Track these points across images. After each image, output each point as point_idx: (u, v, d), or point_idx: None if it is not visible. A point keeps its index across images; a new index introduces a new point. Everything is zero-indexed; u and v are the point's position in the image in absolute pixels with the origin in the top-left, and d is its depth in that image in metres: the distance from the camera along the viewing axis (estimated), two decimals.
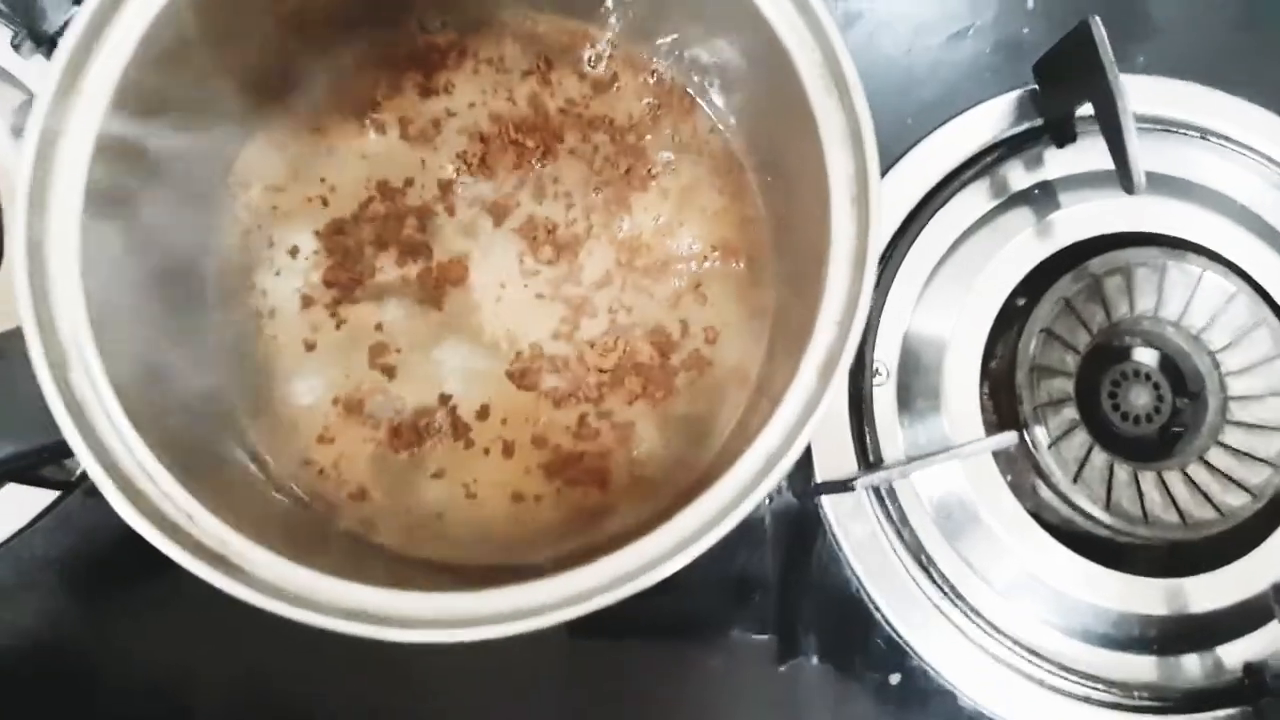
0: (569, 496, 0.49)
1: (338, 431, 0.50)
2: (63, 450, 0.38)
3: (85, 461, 0.37)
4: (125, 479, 0.38)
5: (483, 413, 0.51)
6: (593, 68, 0.55)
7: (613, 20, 0.54)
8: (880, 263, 0.56)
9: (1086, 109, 0.59)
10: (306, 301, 0.52)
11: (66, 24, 0.60)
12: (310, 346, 0.51)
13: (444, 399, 0.51)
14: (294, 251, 0.52)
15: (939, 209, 0.63)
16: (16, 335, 0.39)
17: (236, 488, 0.46)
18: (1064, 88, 0.61)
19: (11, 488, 0.57)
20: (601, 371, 0.51)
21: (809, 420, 0.38)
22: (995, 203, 0.63)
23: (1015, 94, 0.65)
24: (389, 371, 0.51)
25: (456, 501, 0.49)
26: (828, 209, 0.40)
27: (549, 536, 0.49)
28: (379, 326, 0.52)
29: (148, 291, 0.44)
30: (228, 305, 0.51)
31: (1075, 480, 0.58)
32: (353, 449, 0.50)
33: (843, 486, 0.54)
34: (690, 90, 0.54)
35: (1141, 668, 0.59)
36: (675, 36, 0.51)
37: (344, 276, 0.51)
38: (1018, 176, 0.64)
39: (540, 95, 0.54)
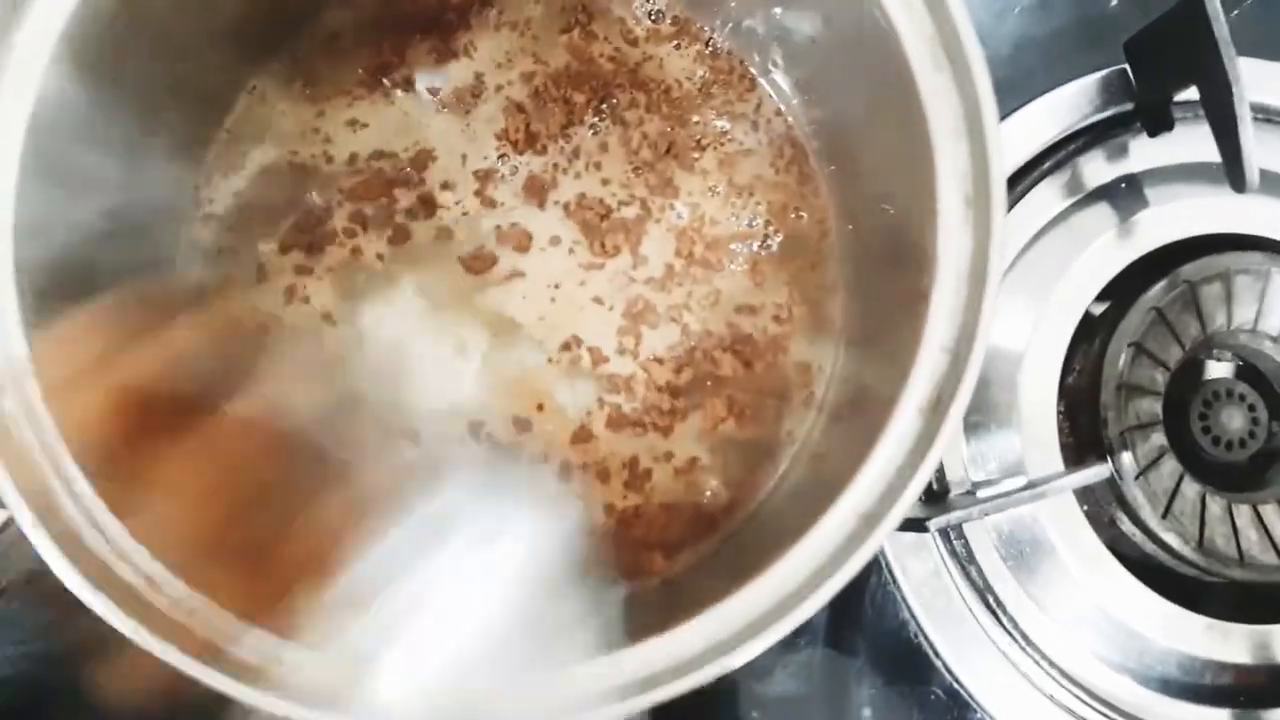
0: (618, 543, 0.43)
1: None
2: None
3: (13, 506, 0.30)
4: (66, 530, 0.30)
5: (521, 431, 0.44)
6: (636, 33, 0.48)
7: None
8: None
9: (1185, 94, 0.53)
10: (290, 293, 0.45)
11: None
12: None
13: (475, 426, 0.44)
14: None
15: (1013, 205, 0.56)
16: None
17: None
18: (1162, 69, 0.55)
19: None
20: (675, 395, 0.44)
21: (918, 468, 0.31)
22: (1074, 199, 0.57)
23: (1099, 75, 0.58)
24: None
25: None
26: (933, 210, 0.33)
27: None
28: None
29: (101, 283, 0.37)
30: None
31: (1165, 515, 0.51)
32: None
33: (915, 525, 0.48)
34: (751, 66, 0.47)
35: None
36: (737, 2, 0.44)
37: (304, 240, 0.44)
38: (1099, 169, 0.57)
39: (584, 46, 0.47)
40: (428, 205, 0.46)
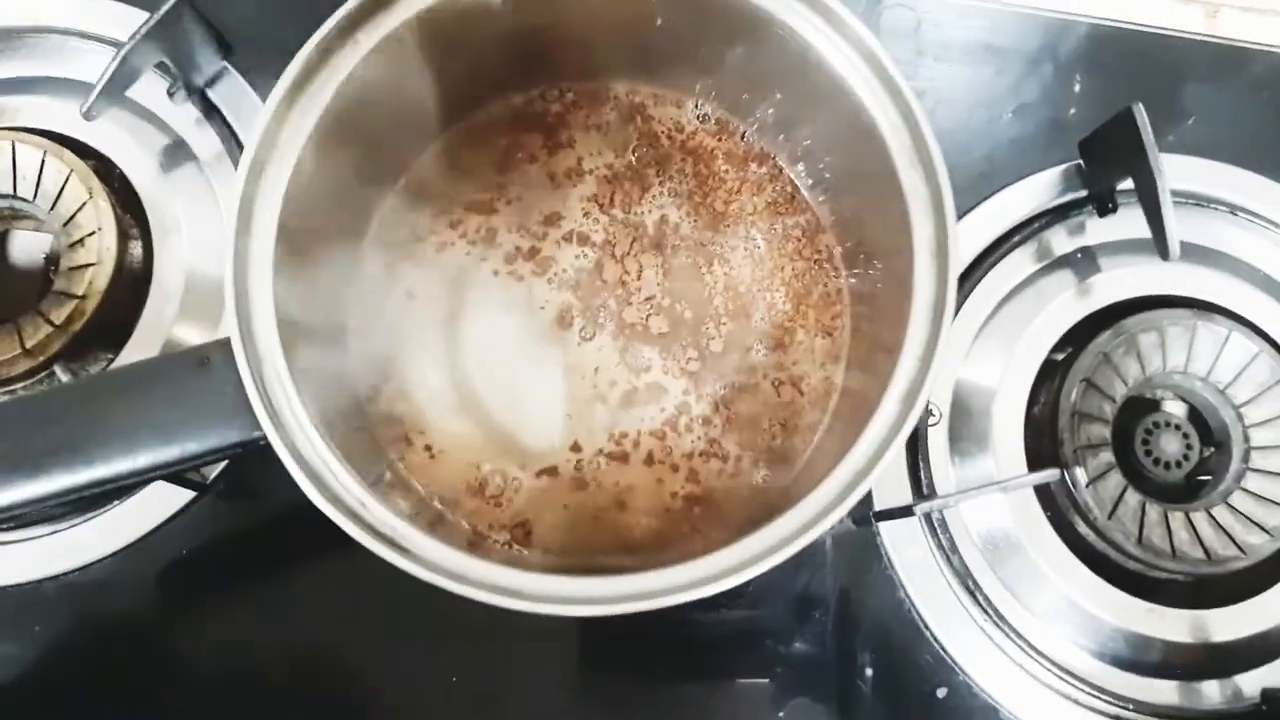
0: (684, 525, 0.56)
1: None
2: (257, 444, 0.45)
3: (282, 454, 0.44)
4: (312, 471, 0.44)
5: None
6: (685, 127, 0.62)
7: (706, 94, 0.61)
8: None
9: (1127, 183, 0.65)
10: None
11: (216, 75, 0.69)
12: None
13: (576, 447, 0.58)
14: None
15: (989, 270, 0.69)
16: (221, 346, 0.46)
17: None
18: (1107, 164, 0.67)
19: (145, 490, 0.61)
20: (729, 416, 0.59)
21: (893, 442, 0.44)
22: (1040, 265, 0.69)
23: (1061, 168, 0.71)
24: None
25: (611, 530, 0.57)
26: (911, 264, 0.47)
27: (657, 547, 0.56)
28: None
29: (313, 300, 0.51)
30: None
31: (1110, 517, 0.62)
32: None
33: (902, 512, 0.60)
34: (778, 158, 0.61)
35: (1165, 691, 0.63)
36: (768, 112, 0.59)
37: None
38: (1061, 242, 0.70)
39: (647, 128, 0.62)
40: (532, 250, 0.60)
